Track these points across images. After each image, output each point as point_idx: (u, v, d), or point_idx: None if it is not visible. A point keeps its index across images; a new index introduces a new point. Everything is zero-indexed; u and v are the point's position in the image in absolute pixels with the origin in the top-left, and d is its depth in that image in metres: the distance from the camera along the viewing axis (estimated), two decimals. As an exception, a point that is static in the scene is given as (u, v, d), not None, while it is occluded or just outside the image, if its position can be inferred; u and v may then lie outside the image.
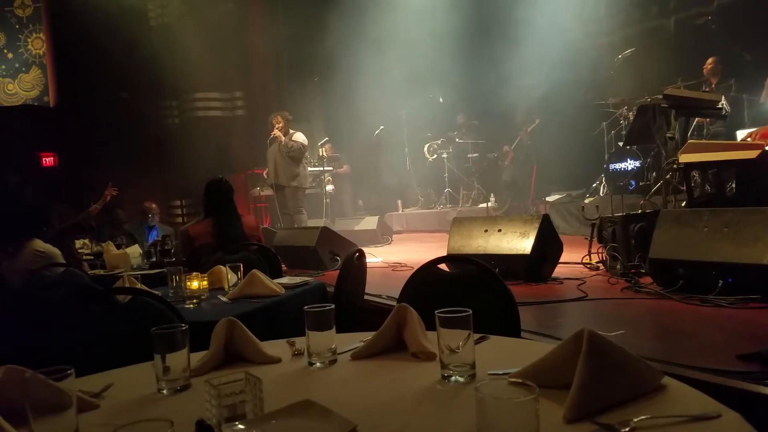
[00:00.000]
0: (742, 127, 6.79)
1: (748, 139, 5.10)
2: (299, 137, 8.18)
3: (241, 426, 1.12)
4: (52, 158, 12.74)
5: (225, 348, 1.63)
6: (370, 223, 9.02)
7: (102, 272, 5.42)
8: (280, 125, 8.19)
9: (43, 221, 4.49)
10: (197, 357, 1.59)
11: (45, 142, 12.65)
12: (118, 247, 5.90)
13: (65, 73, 13.09)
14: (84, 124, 11.90)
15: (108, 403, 1.39)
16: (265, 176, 9.08)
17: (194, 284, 2.91)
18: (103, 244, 6.14)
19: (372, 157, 11.54)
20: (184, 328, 1.46)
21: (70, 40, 12.36)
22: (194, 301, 2.89)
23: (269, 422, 1.14)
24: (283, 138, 8.14)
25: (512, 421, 0.92)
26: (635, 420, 1.02)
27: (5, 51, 13.76)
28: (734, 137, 6.37)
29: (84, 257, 6.35)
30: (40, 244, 4.25)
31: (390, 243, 8.87)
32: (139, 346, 1.55)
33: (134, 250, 5.73)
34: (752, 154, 4.37)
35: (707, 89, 7.48)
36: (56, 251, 4.32)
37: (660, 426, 1.02)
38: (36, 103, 13.63)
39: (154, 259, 5.54)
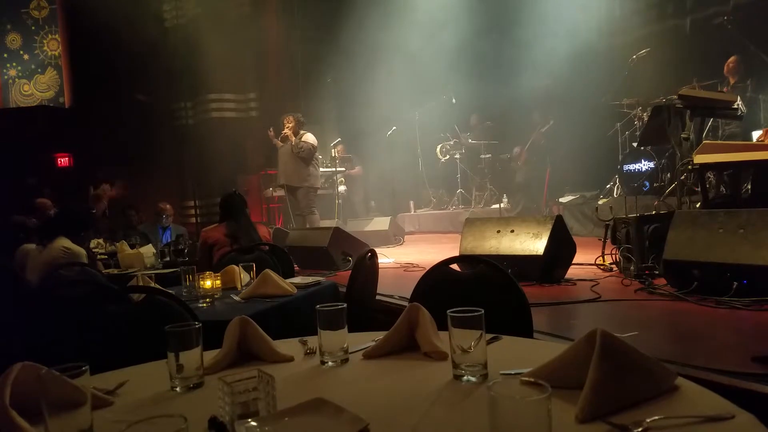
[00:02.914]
0: (758, 127, 6.73)
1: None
2: (309, 138, 8.18)
3: (253, 423, 1.12)
4: (66, 159, 12.85)
5: (238, 346, 1.64)
6: (382, 223, 9.03)
7: (116, 271, 5.46)
8: (291, 125, 8.20)
9: (85, 227, 4.62)
10: (210, 355, 1.59)
11: (60, 142, 12.77)
12: (132, 246, 5.95)
13: (80, 74, 13.21)
14: (99, 125, 11.99)
15: (122, 400, 1.40)
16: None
17: (207, 283, 2.93)
18: (117, 244, 6.19)
19: (384, 158, 11.55)
20: (197, 327, 1.47)
21: (86, 42, 12.47)
22: (207, 300, 2.91)
23: (282, 419, 1.14)
24: (294, 138, 8.16)
25: (524, 420, 0.91)
26: (648, 420, 1.02)
27: (21, 52, 13.90)
28: (750, 138, 6.32)
29: (98, 257, 6.40)
30: (68, 243, 4.32)
31: (402, 244, 8.88)
32: (152, 344, 1.55)
33: (148, 250, 5.77)
34: (768, 154, 4.34)
35: (725, 88, 7.43)
36: (82, 252, 4.39)
37: (673, 426, 1.01)
38: (51, 104, 13.75)
39: (167, 259, 5.59)
